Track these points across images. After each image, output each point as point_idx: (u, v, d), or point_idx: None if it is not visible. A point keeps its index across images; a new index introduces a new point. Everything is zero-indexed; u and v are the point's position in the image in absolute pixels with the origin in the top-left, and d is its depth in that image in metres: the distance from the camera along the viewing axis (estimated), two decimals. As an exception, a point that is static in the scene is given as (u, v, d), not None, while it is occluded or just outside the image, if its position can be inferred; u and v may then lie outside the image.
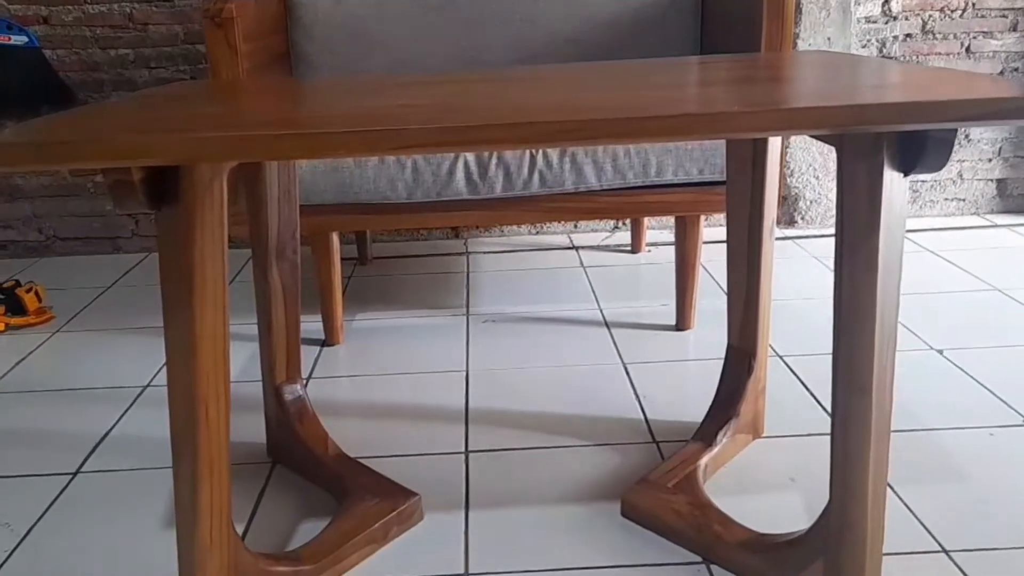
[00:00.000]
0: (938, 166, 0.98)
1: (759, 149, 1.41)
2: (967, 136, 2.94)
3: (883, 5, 2.77)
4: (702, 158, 1.89)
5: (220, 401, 1.06)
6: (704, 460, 1.46)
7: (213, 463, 1.07)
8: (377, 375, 1.94)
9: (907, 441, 1.58)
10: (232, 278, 2.66)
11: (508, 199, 1.93)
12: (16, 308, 2.31)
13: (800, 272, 2.49)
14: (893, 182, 0.99)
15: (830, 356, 1.91)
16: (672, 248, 2.72)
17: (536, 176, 1.89)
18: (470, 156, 1.88)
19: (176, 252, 1.00)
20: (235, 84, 1.37)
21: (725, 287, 2.36)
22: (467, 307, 2.33)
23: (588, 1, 2.31)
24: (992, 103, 0.82)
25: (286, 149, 0.83)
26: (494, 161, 1.88)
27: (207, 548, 1.08)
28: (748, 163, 1.43)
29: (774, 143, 1.41)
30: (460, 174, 1.89)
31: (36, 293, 2.33)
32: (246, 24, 1.86)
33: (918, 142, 0.96)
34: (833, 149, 2.79)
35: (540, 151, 1.88)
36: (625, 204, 1.95)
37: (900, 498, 1.41)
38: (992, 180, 2.99)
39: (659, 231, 2.95)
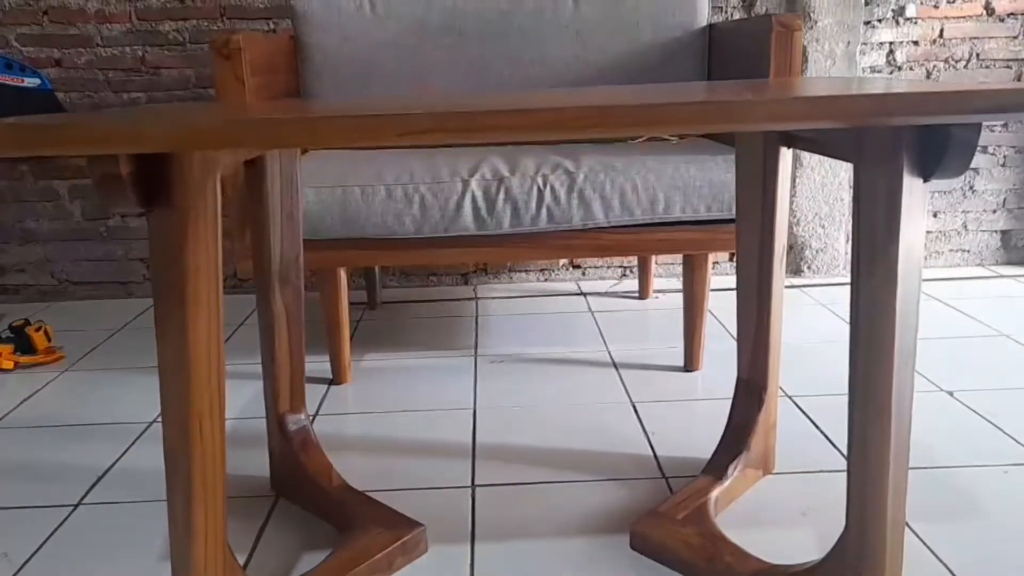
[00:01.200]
0: (959, 170, 0.93)
1: (769, 176, 1.35)
2: (971, 187, 2.89)
3: (888, 55, 2.74)
4: (710, 195, 1.84)
5: (215, 416, 0.99)
6: (715, 493, 1.39)
7: (207, 481, 1.00)
8: (384, 412, 1.87)
9: (921, 478, 1.50)
10: (243, 320, 2.60)
11: (516, 235, 1.87)
12: (26, 347, 2.25)
13: (808, 318, 2.43)
14: (913, 189, 0.94)
15: (840, 397, 1.85)
16: (679, 295, 2.67)
17: (544, 212, 1.84)
18: (478, 191, 1.83)
19: (168, 255, 0.94)
20: (240, 101, 1.33)
21: (732, 331, 2.31)
22: (475, 348, 2.27)
23: (596, 42, 2.28)
24: (1017, 94, 0.76)
25: (284, 135, 0.78)
26: (502, 196, 1.83)
27: (201, 569, 1.01)
28: (759, 191, 1.37)
29: (784, 172, 1.35)
30: (468, 208, 1.83)
31: (45, 332, 2.28)
32: (254, 57, 1.83)
33: (939, 143, 0.90)
34: (839, 193, 2.75)
35: (548, 186, 1.83)
36: (633, 242, 1.89)
37: (916, 533, 1.33)
38: (996, 231, 2.94)
39: (667, 279, 2.90)
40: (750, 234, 1.40)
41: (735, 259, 1.45)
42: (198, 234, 0.94)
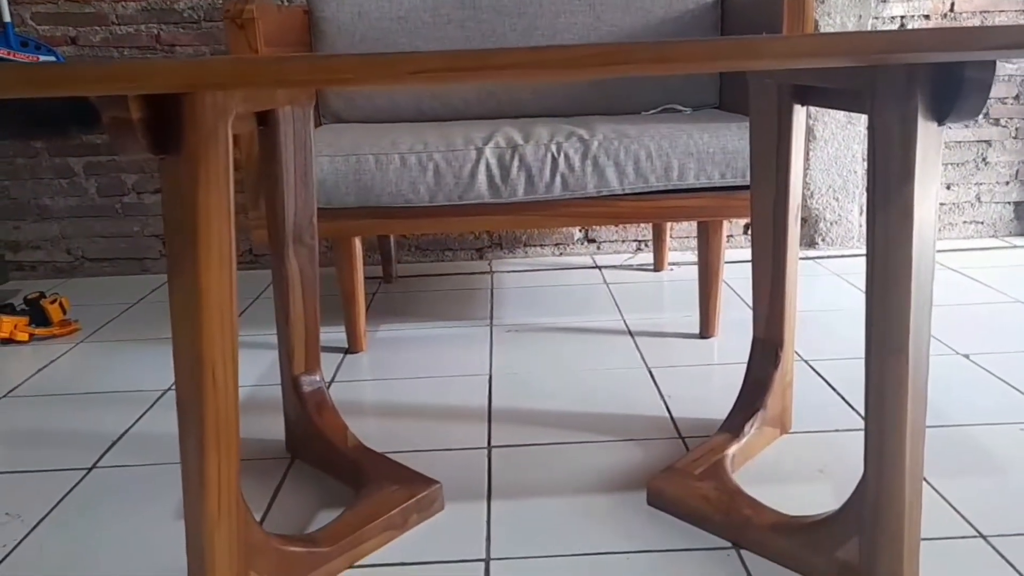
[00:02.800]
0: (974, 112, 0.92)
1: (783, 135, 1.34)
2: (984, 160, 2.87)
3: (899, 29, 2.72)
4: (724, 162, 1.83)
5: (228, 365, 0.99)
6: (732, 450, 1.38)
7: (220, 431, 1.00)
8: (400, 379, 1.88)
9: (938, 436, 1.50)
10: (259, 293, 2.61)
11: (530, 203, 1.87)
12: (41, 319, 2.26)
13: (823, 288, 2.42)
14: (928, 132, 0.93)
15: (856, 361, 1.85)
16: (694, 268, 2.66)
17: (558, 179, 1.84)
18: (492, 158, 1.82)
19: (180, 203, 0.94)
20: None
21: (748, 301, 2.30)
22: (491, 319, 2.27)
23: (610, 16, 2.27)
24: (1035, 26, 0.76)
25: (293, 72, 0.77)
26: (516, 163, 1.83)
27: (215, 520, 1.01)
28: (773, 150, 1.36)
29: (798, 130, 1.35)
30: (482, 176, 1.83)
31: (60, 305, 2.29)
32: (268, 29, 1.83)
33: (953, 83, 0.90)
34: (853, 165, 2.73)
35: (562, 153, 1.82)
36: (647, 209, 1.89)
37: (933, 487, 1.33)
38: (1010, 203, 2.92)
39: (681, 252, 2.89)
40: (765, 193, 1.39)
41: (750, 218, 1.44)
42: (210, 180, 0.93)
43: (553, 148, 1.83)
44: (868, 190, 0.97)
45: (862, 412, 1.60)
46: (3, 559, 1.26)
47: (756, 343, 1.49)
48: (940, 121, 0.93)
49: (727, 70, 0.82)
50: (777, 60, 0.80)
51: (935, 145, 0.94)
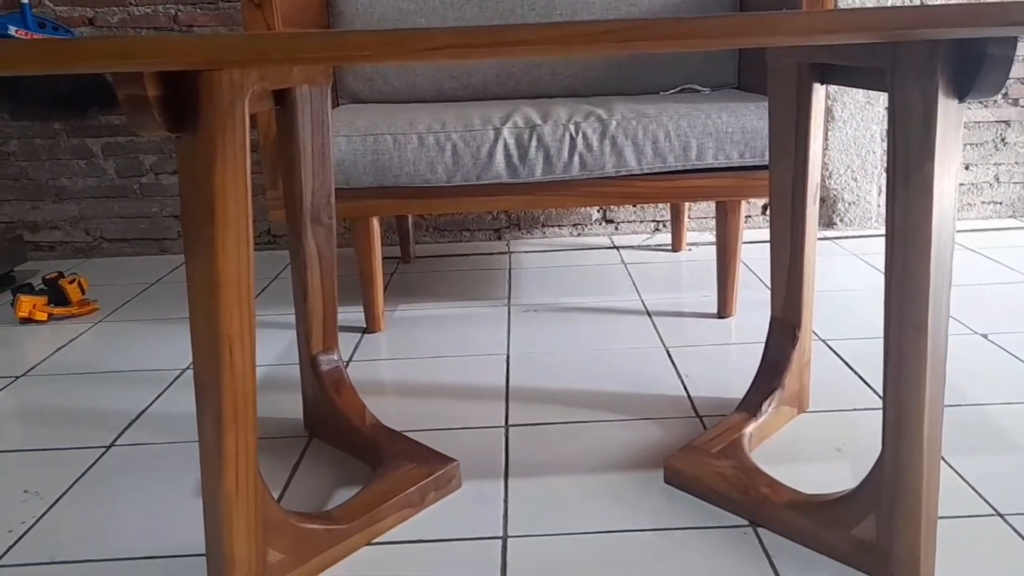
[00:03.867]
0: (994, 88, 0.91)
1: (802, 114, 1.34)
2: (1003, 140, 2.85)
3: (923, 3, 2.70)
4: (743, 141, 1.83)
5: (245, 342, 1.00)
6: (749, 429, 1.38)
7: (238, 407, 1.00)
8: (417, 358, 1.88)
9: (955, 415, 1.49)
10: (277, 274, 2.62)
11: (548, 183, 1.87)
12: (60, 299, 2.28)
13: (841, 268, 2.41)
14: (948, 109, 0.92)
15: (874, 341, 1.84)
16: (712, 248, 2.66)
17: (576, 159, 1.84)
18: (510, 138, 1.82)
19: (197, 181, 0.94)
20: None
21: (765, 281, 2.30)
22: (508, 298, 2.27)
23: (627, -9, 2.27)
24: (1058, 0, 0.75)
25: (307, 48, 0.77)
26: (534, 143, 1.82)
27: (233, 497, 1.02)
28: (791, 129, 1.36)
29: (817, 109, 1.34)
30: (500, 156, 1.83)
31: (79, 284, 2.30)
32: (285, 8, 1.83)
33: (975, 60, 0.89)
34: (871, 146, 2.72)
35: (580, 133, 1.82)
36: (665, 188, 1.88)
37: (950, 465, 1.33)
38: (1030, 183, 2.90)
39: (699, 233, 2.88)
40: (784, 173, 1.39)
41: (769, 198, 1.43)
42: (227, 158, 0.93)
43: (571, 128, 1.83)
44: (888, 168, 0.97)
45: (879, 391, 1.60)
46: (22, 535, 1.27)
47: (774, 322, 1.48)
48: (961, 98, 0.93)
49: (746, 47, 0.82)
50: (797, 36, 0.79)
51: (955, 122, 0.93)
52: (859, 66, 1.15)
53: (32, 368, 1.93)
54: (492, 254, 2.75)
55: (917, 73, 0.92)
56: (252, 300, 1.00)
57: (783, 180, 1.39)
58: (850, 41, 0.81)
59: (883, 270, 2.36)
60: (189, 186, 0.95)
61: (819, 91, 1.32)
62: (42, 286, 2.31)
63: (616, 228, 2.92)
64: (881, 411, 1.49)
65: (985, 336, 1.84)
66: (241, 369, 1.00)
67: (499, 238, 2.92)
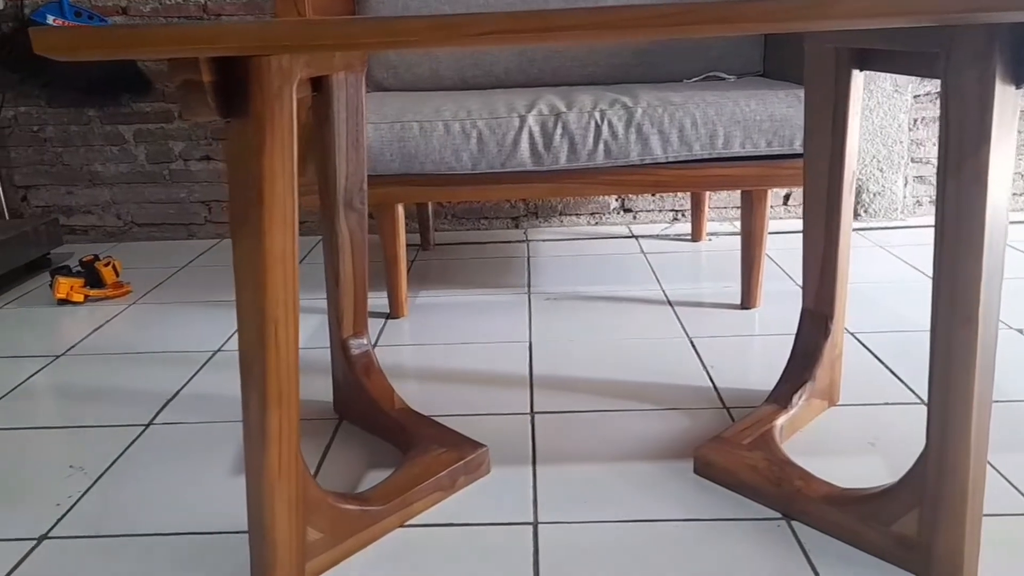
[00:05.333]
0: (1054, 75, 0.86)
1: (840, 102, 1.28)
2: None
3: None
4: (771, 130, 1.78)
5: (289, 324, 0.96)
6: (780, 421, 1.34)
7: (282, 387, 0.97)
8: (441, 344, 1.84)
9: (994, 412, 1.44)
10: (303, 257, 2.58)
11: (572, 171, 1.82)
12: (95, 281, 2.26)
13: (867, 260, 2.36)
14: (1005, 95, 0.87)
15: (903, 334, 1.79)
16: (732, 238, 2.61)
17: (601, 147, 1.79)
18: (535, 126, 1.78)
19: (245, 166, 0.91)
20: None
21: (790, 272, 2.24)
22: (528, 286, 2.22)
23: (654, -18, 2.21)
24: None
25: (358, 34, 0.74)
26: (559, 131, 1.78)
27: (276, 475, 0.99)
28: (828, 118, 1.31)
29: (856, 96, 1.29)
30: (525, 144, 1.78)
31: (114, 267, 2.28)
32: (315, -2, 1.79)
33: (1035, 45, 0.84)
34: (898, 135, 2.66)
35: (605, 120, 1.77)
36: (690, 177, 1.83)
37: (992, 465, 1.27)
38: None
39: (719, 223, 2.83)
40: (819, 161, 1.34)
41: (803, 186, 1.38)
42: (275, 142, 0.91)
43: (597, 115, 1.78)
44: (939, 155, 0.92)
45: (911, 386, 1.54)
46: (71, 507, 1.26)
47: (805, 314, 1.43)
48: (1018, 84, 0.88)
49: (797, 31, 0.78)
50: (852, 19, 0.75)
51: (1012, 109, 0.88)
52: (905, 50, 1.10)
53: (71, 348, 1.90)
54: (510, 242, 2.70)
55: (974, 57, 0.87)
56: (296, 282, 0.97)
57: (818, 169, 1.34)
58: (909, 24, 0.76)
59: (909, 262, 2.30)
60: (238, 169, 0.92)
61: (858, 78, 1.27)
62: (79, 268, 2.29)
63: (634, 217, 2.87)
64: (914, 406, 1.46)
65: (1021, 332, 1.78)
66: (285, 349, 0.97)
67: (517, 226, 2.88)
